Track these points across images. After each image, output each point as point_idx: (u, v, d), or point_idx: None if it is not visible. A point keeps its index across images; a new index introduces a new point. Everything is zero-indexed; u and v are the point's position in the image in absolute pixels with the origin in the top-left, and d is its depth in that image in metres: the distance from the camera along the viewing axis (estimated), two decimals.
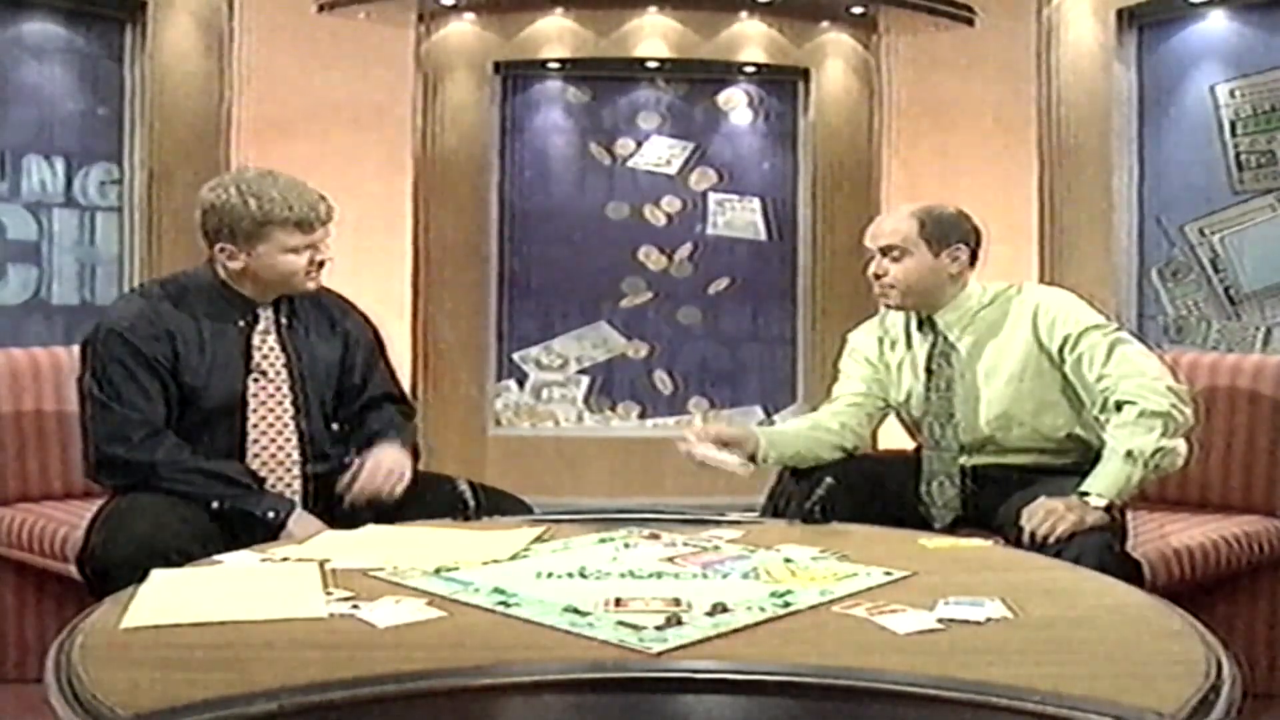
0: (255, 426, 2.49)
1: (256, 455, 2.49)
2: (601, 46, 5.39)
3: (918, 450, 2.71)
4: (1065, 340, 2.54)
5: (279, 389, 2.51)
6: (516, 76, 5.49)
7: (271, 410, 2.51)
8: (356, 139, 5.19)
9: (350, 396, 2.64)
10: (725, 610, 1.63)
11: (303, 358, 2.55)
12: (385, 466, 2.50)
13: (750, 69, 5.54)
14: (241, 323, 2.51)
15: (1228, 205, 4.60)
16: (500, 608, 1.67)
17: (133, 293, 2.67)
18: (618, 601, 1.68)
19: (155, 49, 4.68)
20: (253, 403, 2.49)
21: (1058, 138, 4.89)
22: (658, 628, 1.55)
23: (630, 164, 5.54)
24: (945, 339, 2.65)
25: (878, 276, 2.63)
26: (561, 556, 1.99)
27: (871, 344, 2.77)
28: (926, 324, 2.68)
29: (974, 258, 2.67)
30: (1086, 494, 2.32)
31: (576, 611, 1.63)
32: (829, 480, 2.41)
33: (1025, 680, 1.39)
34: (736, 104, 5.61)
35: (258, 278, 2.49)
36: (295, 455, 2.51)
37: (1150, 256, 4.81)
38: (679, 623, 1.57)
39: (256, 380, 2.49)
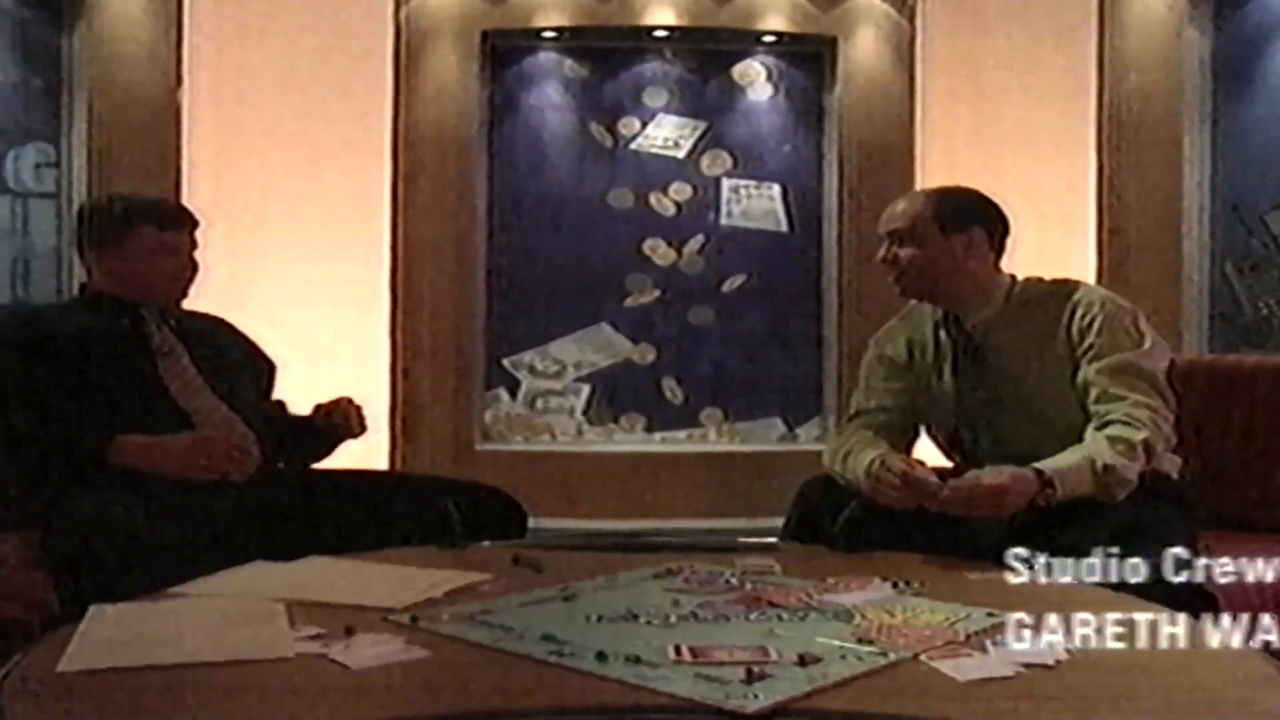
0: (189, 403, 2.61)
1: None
2: (603, 14, 5.39)
3: (956, 470, 2.68)
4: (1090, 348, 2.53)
5: (186, 369, 2.65)
6: (507, 47, 5.50)
7: (189, 384, 2.64)
8: (327, 117, 5.18)
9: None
10: (816, 660, 1.62)
11: (204, 345, 2.71)
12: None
13: (770, 38, 5.53)
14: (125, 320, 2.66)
15: None
16: (553, 657, 1.64)
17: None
18: (691, 650, 1.65)
19: (97, 13, 4.69)
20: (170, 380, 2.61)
21: (1121, 113, 4.88)
22: (743, 681, 1.53)
23: (635, 146, 5.55)
24: (971, 339, 2.65)
25: (887, 262, 2.66)
26: (608, 595, 1.97)
27: (899, 348, 2.76)
28: (952, 322, 2.68)
29: (997, 246, 2.68)
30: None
31: (640, 661, 1.60)
32: (855, 501, 2.39)
33: None
34: (754, 78, 5.61)
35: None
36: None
37: (1225, 248, 4.81)
38: (766, 676, 1.55)
39: (165, 357, 2.63)
